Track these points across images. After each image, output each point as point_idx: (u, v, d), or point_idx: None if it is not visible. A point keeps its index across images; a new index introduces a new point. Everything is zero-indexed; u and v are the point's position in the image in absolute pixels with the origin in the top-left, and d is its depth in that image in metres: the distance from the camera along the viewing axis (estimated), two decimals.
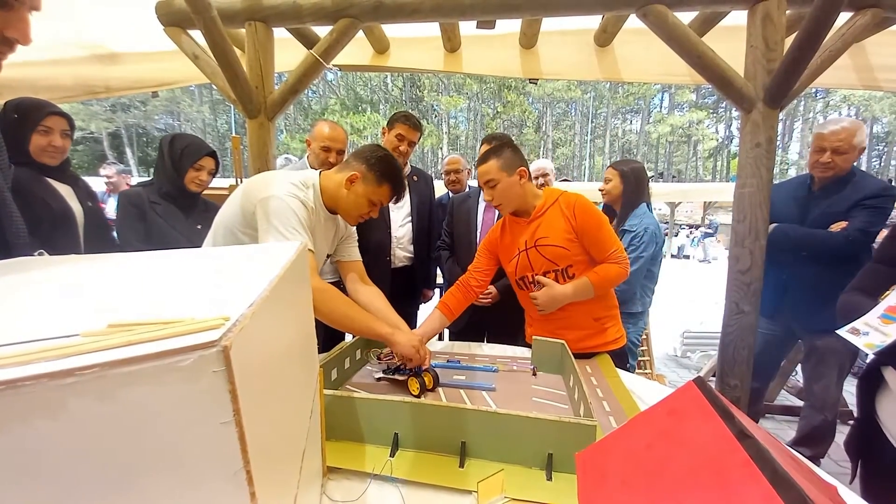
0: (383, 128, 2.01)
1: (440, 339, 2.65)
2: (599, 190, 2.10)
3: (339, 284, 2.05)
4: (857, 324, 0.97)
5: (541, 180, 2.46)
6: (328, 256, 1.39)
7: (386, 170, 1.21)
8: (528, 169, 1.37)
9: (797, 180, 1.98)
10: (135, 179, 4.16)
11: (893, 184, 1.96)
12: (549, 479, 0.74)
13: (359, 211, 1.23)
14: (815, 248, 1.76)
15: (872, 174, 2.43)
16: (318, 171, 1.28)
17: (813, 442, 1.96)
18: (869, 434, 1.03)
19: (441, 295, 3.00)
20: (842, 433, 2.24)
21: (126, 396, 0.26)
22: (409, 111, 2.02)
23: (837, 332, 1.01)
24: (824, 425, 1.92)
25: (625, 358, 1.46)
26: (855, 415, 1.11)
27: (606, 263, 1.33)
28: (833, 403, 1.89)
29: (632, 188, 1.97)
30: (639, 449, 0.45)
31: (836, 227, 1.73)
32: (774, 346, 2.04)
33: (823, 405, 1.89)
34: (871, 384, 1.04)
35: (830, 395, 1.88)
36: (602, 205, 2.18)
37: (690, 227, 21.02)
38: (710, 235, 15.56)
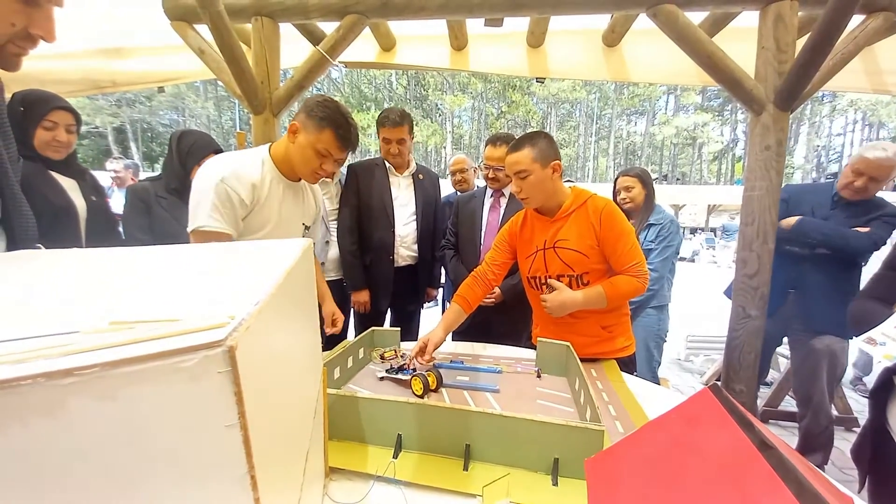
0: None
1: None
2: (622, 200, 2.06)
3: (341, 282, 2.06)
4: (873, 334, 0.96)
5: None
6: (307, 228, 1.38)
7: (325, 114, 1.15)
8: (562, 163, 1.31)
9: (819, 187, 1.96)
10: (140, 174, 4.17)
11: None
12: (555, 484, 0.73)
13: (309, 165, 1.19)
14: (840, 246, 1.74)
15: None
16: (268, 143, 1.27)
17: (816, 449, 1.94)
18: (879, 442, 1.02)
19: (444, 295, 2.97)
20: (846, 440, 2.24)
21: (127, 397, 0.25)
22: (392, 107, 1.95)
23: (853, 340, 1.00)
24: (824, 431, 1.91)
25: (632, 366, 1.43)
26: (861, 422, 1.10)
27: (625, 275, 1.27)
28: (829, 406, 1.89)
29: (651, 191, 2.06)
30: (653, 457, 0.44)
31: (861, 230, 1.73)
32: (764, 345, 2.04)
33: (821, 408, 1.89)
34: (883, 392, 1.02)
35: (827, 397, 1.88)
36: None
37: (693, 230, 20.96)
38: (714, 239, 15.56)
